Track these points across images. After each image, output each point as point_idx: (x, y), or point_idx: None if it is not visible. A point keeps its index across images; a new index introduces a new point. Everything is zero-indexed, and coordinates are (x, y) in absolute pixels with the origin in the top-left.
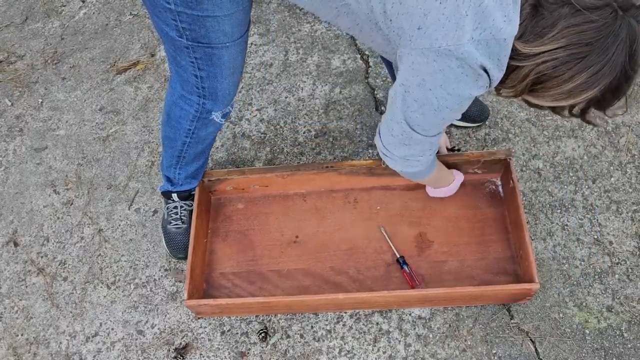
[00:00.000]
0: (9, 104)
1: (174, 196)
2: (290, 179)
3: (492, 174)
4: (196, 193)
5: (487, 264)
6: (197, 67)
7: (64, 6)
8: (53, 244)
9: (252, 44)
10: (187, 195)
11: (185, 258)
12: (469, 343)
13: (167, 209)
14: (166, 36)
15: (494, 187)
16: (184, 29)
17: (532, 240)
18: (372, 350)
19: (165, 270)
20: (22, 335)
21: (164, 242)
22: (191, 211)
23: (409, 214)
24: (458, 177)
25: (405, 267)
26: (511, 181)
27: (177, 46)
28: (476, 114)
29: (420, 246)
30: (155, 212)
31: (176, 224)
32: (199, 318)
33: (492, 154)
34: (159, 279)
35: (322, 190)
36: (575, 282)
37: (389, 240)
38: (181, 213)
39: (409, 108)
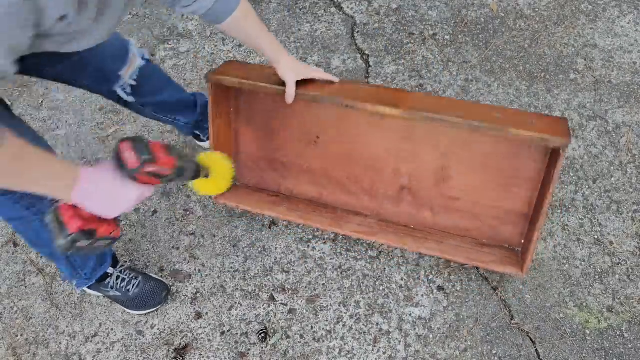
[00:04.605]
0: (9, 103)
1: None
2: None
3: (546, 133)
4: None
5: (498, 213)
6: None
7: None
8: None
9: None
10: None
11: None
12: (470, 343)
13: (111, 288)
14: None
15: (543, 145)
16: None
17: None
18: (372, 350)
19: (164, 270)
20: (21, 335)
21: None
22: (132, 271)
23: (437, 141)
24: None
25: None
26: (553, 170)
27: None
28: None
29: (438, 178)
30: (155, 212)
31: (134, 284)
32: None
33: (547, 134)
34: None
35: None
36: (575, 283)
37: None
38: (130, 277)
39: None
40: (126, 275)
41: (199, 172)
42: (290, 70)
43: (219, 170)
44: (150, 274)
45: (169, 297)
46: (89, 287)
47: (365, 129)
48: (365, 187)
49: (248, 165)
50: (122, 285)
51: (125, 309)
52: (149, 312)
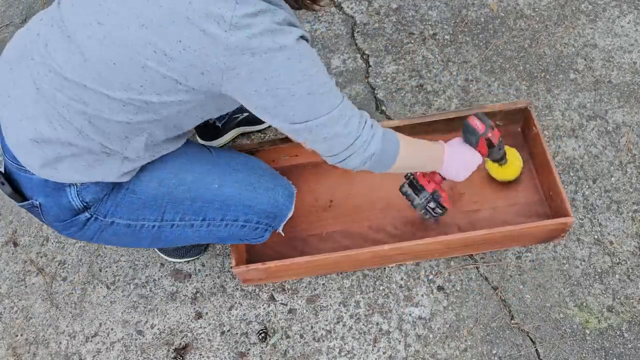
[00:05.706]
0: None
1: None
2: None
3: (514, 124)
4: None
5: (519, 208)
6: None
7: None
8: (52, 244)
9: None
10: None
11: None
12: (470, 343)
13: None
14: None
15: (515, 137)
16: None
17: None
18: (372, 350)
19: (164, 269)
20: (21, 335)
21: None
22: None
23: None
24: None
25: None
26: (534, 128)
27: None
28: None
29: (452, 198)
30: None
31: None
32: (245, 283)
33: (512, 104)
34: (159, 279)
35: None
36: (575, 282)
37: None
38: None
39: (286, 111)
40: None
41: (504, 156)
42: None
43: (512, 162)
44: None
45: (205, 252)
46: None
47: (371, 174)
48: (389, 231)
49: (266, 252)
50: None
51: (164, 256)
52: (187, 261)
